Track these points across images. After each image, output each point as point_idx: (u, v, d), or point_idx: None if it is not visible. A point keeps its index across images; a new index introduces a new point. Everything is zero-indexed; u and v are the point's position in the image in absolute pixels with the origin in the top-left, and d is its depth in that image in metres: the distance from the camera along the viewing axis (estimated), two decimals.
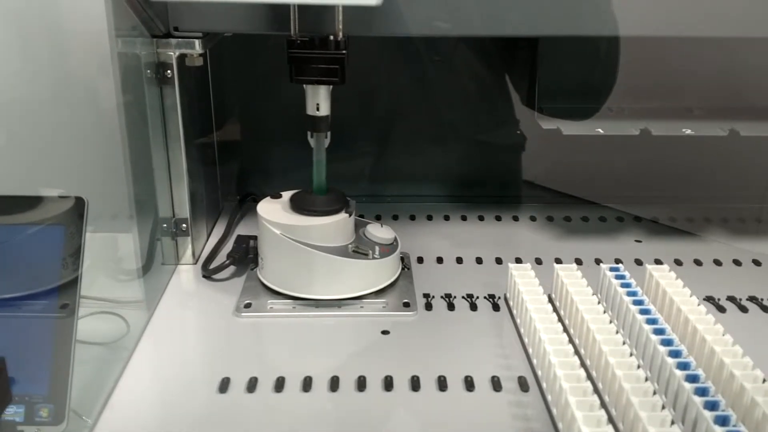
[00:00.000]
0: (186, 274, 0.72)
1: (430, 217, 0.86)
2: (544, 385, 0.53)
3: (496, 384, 0.55)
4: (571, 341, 0.55)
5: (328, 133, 0.65)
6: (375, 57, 0.83)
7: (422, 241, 0.79)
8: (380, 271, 0.67)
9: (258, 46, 0.83)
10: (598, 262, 0.74)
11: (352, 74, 0.61)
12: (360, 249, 0.66)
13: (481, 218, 0.85)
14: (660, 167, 0.88)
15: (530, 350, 0.58)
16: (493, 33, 0.68)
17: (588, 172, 0.89)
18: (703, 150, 0.85)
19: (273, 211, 0.67)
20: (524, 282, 0.63)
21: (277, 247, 0.65)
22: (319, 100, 0.63)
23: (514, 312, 0.64)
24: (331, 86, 0.63)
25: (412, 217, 0.85)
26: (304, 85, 0.63)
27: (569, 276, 0.63)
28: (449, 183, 0.91)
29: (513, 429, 0.50)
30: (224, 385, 0.54)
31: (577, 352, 0.53)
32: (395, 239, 0.70)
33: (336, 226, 0.66)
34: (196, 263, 0.73)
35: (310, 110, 0.63)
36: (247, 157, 0.90)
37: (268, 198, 0.69)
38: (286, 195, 0.69)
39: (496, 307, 0.66)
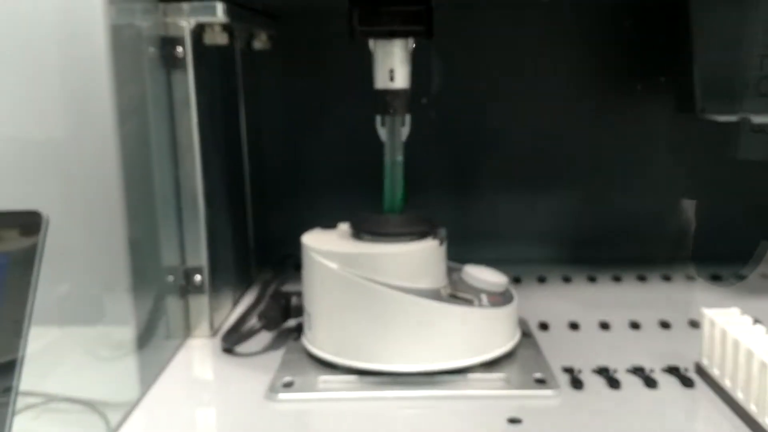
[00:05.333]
0: (200, 349, 0.49)
1: (542, 279, 0.61)
2: None
3: None
4: None
5: (408, 117, 0.44)
6: (452, 68, 0.63)
7: (540, 303, 0.55)
8: (492, 329, 0.43)
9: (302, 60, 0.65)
10: None
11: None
12: (459, 294, 0.43)
13: (617, 279, 0.61)
14: None
15: None
16: None
17: None
18: None
19: (326, 240, 0.44)
20: (741, 331, 0.38)
21: (334, 291, 0.42)
22: (393, 64, 0.42)
23: (725, 383, 0.38)
24: (413, 43, 0.43)
25: (517, 279, 0.61)
26: (372, 45, 0.43)
27: None
28: (562, 242, 0.67)
29: None
30: None
31: None
32: (507, 287, 0.46)
33: (421, 256, 0.43)
34: (214, 335, 0.50)
35: (381, 82, 0.43)
36: (285, 207, 0.68)
37: (317, 229, 0.47)
38: (343, 225, 0.47)
39: (686, 382, 0.41)
